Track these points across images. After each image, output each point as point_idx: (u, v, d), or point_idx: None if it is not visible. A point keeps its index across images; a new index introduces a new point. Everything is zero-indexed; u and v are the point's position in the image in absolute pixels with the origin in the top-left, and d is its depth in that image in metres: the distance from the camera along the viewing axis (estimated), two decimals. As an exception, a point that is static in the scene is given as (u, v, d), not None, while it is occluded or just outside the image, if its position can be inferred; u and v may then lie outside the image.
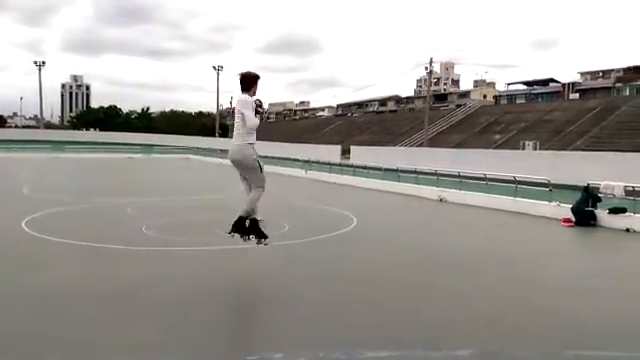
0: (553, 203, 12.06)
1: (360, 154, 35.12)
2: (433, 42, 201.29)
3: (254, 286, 6.39)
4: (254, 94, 5.71)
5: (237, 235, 5.87)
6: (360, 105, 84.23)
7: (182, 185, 19.76)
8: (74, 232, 8.97)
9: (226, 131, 68.85)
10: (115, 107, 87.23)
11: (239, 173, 5.88)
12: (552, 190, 12.57)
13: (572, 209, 11.11)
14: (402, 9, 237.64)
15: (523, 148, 37.76)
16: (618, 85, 52.77)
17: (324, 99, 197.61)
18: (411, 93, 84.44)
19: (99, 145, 47.11)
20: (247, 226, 5.85)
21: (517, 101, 60.95)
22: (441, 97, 72.90)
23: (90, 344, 4.16)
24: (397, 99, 79.39)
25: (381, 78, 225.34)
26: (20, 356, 3.92)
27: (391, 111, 74.92)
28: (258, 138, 6.19)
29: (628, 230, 10.25)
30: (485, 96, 68.02)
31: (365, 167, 21.65)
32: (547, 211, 11.96)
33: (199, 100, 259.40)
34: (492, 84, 74.32)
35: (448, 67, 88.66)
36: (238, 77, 5.72)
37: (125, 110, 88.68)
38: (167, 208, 12.60)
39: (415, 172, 18.23)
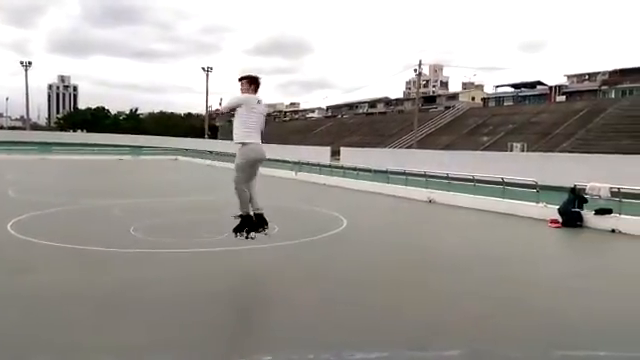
0: (540, 204, 12.18)
1: (350, 155, 35.14)
2: (422, 44, 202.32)
3: (244, 288, 6.36)
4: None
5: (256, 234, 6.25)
6: (350, 107, 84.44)
7: (170, 186, 19.65)
8: (61, 234, 8.86)
9: (215, 132, 68.51)
10: (103, 108, 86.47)
11: (249, 172, 6.06)
12: (539, 191, 12.68)
13: (559, 210, 11.24)
14: (392, 11, 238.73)
15: (511, 150, 38.12)
16: (604, 88, 53.54)
17: (314, 100, 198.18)
18: (400, 95, 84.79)
19: (87, 146, 46.53)
20: (256, 220, 6.20)
21: (505, 103, 61.53)
22: (430, 99, 73.35)
23: (78, 346, 4.12)
24: (387, 101, 79.71)
25: (371, 80, 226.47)
26: (8, 358, 3.88)
27: (381, 113, 75.20)
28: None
29: (614, 231, 10.38)
30: (473, 98, 68.59)
31: (355, 168, 21.66)
32: (534, 212, 12.08)
33: (188, 101, 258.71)
34: (480, 86, 74.94)
35: (437, 69, 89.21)
36: (254, 78, 5.99)
37: (113, 111, 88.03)
38: (155, 209, 12.51)
39: (404, 174, 18.30)
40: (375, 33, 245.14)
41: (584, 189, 11.56)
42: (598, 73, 56.29)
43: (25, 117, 73.80)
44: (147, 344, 4.21)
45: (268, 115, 6.94)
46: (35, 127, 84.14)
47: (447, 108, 62.16)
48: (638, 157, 25.67)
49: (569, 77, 59.45)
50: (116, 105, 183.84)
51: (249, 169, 6.02)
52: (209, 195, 16.49)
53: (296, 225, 9.82)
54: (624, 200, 10.84)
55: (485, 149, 40.15)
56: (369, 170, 20.93)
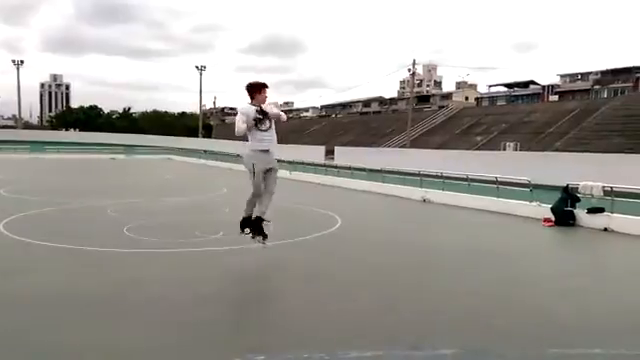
0: (534, 203, 12.25)
1: (344, 155, 35.17)
2: (416, 44, 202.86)
3: (237, 287, 6.35)
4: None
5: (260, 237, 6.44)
6: (344, 106, 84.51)
7: (164, 186, 19.56)
8: (54, 234, 8.80)
9: (210, 131, 68.30)
10: (96, 107, 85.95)
11: (260, 177, 6.18)
12: (532, 190, 12.75)
13: (552, 209, 11.31)
14: (386, 10, 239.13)
15: (504, 149, 38.31)
16: (596, 87, 53.96)
17: (308, 100, 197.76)
18: (395, 94, 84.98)
19: (80, 146, 46.23)
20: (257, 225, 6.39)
21: (498, 103, 61.92)
22: (424, 99, 73.57)
23: (72, 346, 4.10)
24: (381, 100, 79.85)
25: (365, 79, 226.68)
26: (3, 359, 3.86)
27: (375, 112, 75.34)
28: (241, 139, 6.31)
29: (606, 229, 10.46)
30: (467, 98, 68.91)
31: (349, 168, 21.67)
32: (528, 211, 12.15)
33: (182, 100, 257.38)
34: (474, 86, 75.23)
35: (431, 69, 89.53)
36: (247, 87, 6.07)
37: (106, 110, 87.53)
38: (149, 209, 12.46)
39: (398, 173, 18.33)
40: (369, 33, 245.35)
41: (577, 188, 11.64)
42: (590, 73, 56.72)
43: (17, 116, 73.24)
44: (141, 344, 4.20)
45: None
46: (27, 126, 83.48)
47: (441, 107, 62.41)
48: (630, 156, 25.93)
49: (562, 77, 59.84)
50: (109, 104, 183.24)
51: (260, 174, 6.20)
52: (203, 195, 16.45)
53: (290, 224, 9.80)
54: (616, 199, 10.92)
55: (478, 148, 40.35)
56: (363, 169, 20.95)
